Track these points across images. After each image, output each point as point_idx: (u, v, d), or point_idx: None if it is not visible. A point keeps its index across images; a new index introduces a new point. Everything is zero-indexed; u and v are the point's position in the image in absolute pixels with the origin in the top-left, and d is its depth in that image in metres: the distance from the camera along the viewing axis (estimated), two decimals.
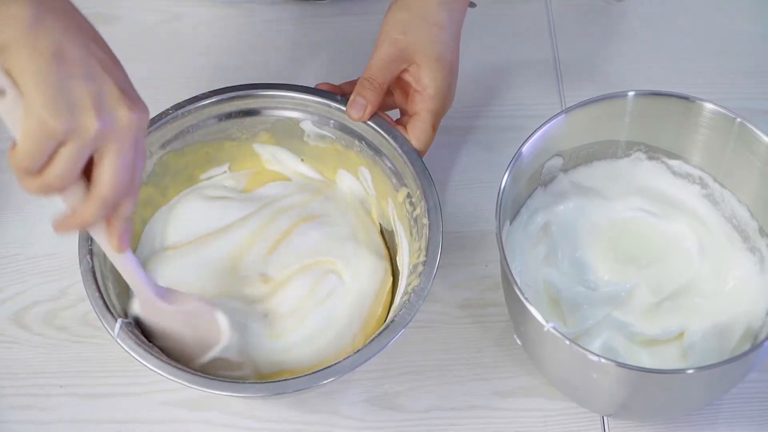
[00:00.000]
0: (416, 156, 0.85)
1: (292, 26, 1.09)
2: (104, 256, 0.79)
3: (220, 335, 0.79)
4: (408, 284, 0.81)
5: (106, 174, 0.65)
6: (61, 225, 0.69)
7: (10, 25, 0.62)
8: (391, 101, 0.88)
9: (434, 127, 0.84)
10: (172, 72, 1.06)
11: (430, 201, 0.83)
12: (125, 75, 0.68)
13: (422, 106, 0.83)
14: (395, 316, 0.78)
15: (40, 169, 0.64)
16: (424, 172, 0.84)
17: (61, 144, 0.63)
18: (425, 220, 0.82)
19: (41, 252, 0.94)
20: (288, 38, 1.08)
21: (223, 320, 0.79)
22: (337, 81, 0.91)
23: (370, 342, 0.77)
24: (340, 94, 0.87)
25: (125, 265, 0.76)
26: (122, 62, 1.04)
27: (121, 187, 0.66)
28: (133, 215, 0.70)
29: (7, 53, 0.62)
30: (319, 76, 1.03)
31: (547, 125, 0.82)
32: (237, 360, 0.80)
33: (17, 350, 0.89)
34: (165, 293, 0.79)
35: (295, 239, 0.86)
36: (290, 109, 0.89)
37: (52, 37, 0.63)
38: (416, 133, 0.84)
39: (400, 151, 0.85)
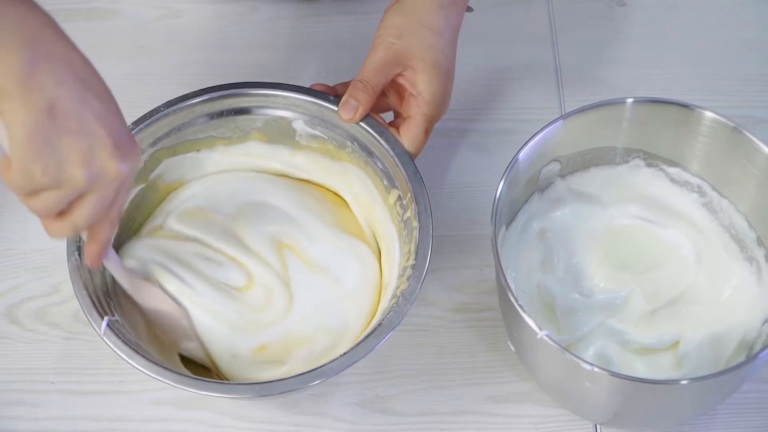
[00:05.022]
0: (408, 158, 0.84)
1: (291, 24, 1.08)
2: None
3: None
4: (397, 287, 0.81)
5: (82, 211, 0.67)
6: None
7: (5, 73, 0.62)
8: (385, 103, 0.88)
9: (427, 132, 0.84)
10: (170, 68, 1.05)
11: (421, 204, 0.82)
12: (120, 121, 0.68)
13: (416, 110, 0.83)
14: (383, 319, 0.78)
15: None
16: (416, 174, 0.84)
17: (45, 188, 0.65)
18: (415, 223, 0.82)
19: (34, 247, 0.94)
20: (287, 36, 1.07)
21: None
22: (336, 80, 0.90)
23: (357, 345, 0.77)
24: (334, 94, 0.87)
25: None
26: (121, 57, 1.05)
27: (93, 220, 0.69)
28: (112, 236, 0.74)
29: (2, 98, 0.62)
30: (318, 75, 1.03)
31: (545, 130, 0.82)
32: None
33: (9, 346, 0.89)
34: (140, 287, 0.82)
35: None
36: (282, 108, 0.89)
37: (45, 90, 0.62)
38: (409, 136, 0.84)
39: (392, 153, 0.85)
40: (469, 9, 0.89)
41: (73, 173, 0.64)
